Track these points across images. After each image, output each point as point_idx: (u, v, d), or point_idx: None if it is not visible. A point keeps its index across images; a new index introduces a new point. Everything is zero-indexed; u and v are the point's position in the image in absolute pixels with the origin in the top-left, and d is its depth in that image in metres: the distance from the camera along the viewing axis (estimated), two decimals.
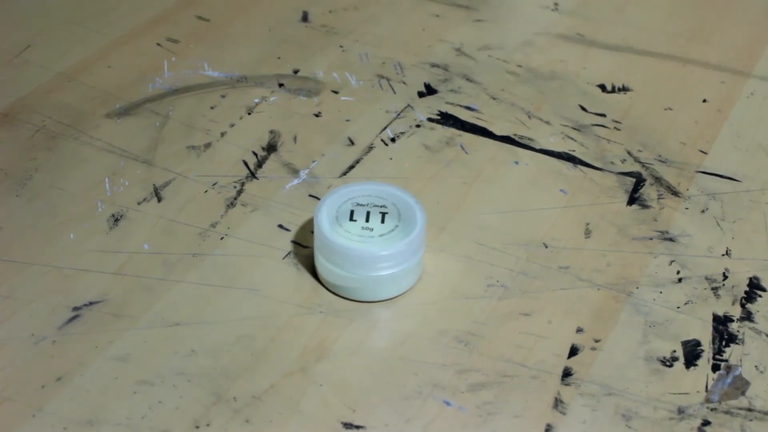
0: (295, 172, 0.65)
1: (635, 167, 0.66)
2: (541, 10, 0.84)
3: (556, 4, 0.85)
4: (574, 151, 0.67)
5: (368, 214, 0.56)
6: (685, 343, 0.54)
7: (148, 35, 0.78)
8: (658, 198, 0.64)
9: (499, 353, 0.53)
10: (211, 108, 0.70)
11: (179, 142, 0.67)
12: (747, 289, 0.57)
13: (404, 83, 0.74)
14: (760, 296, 0.57)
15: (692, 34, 0.81)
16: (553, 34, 0.81)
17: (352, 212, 0.56)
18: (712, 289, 0.57)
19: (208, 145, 0.66)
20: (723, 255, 0.60)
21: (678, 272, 0.58)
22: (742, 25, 0.83)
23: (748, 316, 0.56)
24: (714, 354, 0.53)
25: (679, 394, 0.51)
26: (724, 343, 0.54)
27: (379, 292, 0.55)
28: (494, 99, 0.72)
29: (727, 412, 0.50)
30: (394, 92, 0.73)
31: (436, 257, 0.58)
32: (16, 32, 0.77)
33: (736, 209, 0.63)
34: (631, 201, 0.63)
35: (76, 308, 0.54)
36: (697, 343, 0.54)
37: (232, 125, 0.68)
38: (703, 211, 0.63)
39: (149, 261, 0.57)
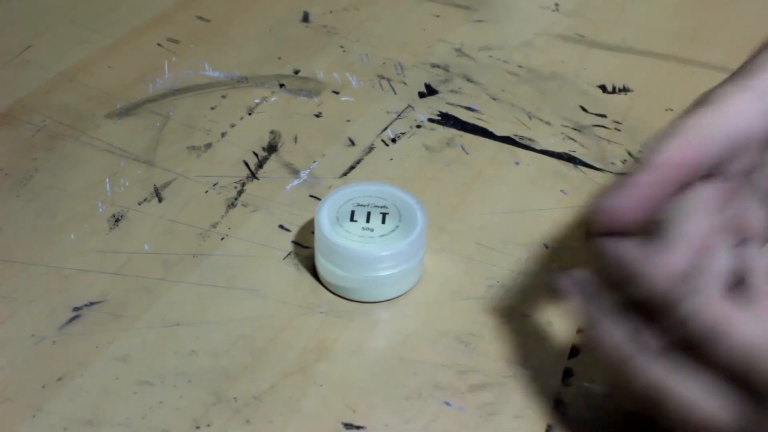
0: (296, 172, 0.65)
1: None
2: (541, 11, 0.84)
3: (556, 4, 0.85)
4: (574, 151, 0.67)
5: (369, 214, 0.56)
6: None
7: (149, 35, 0.78)
8: None
9: (499, 353, 0.53)
10: (212, 108, 0.70)
11: (180, 142, 0.67)
12: None
13: (405, 83, 0.74)
14: None
15: (693, 34, 0.81)
16: (553, 35, 0.81)
17: (352, 213, 0.56)
18: None
19: (208, 146, 0.66)
20: None
21: None
22: (742, 25, 0.83)
23: None
24: None
25: None
26: None
27: (380, 293, 0.55)
28: (494, 99, 0.72)
29: None
30: (395, 93, 0.73)
31: (437, 257, 0.58)
32: (16, 32, 0.77)
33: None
34: None
35: (76, 308, 0.54)
36: None
37: (232, 125, 0.68)
38: None
39: (149, 261, 0.57)
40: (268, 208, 0.62)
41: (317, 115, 0.70)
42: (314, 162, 0.66)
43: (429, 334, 0.54)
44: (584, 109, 0.72)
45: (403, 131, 0.69)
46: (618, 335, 0.42)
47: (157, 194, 0.62)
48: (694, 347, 0.40)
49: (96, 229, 0.59)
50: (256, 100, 0.71)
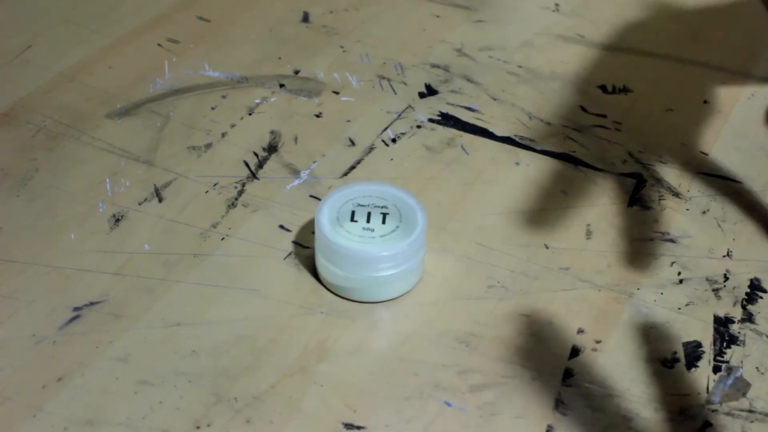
0: (296, 172, 0.65)
1: (636, 168, 0.66)
2: (541, 11, 0.84)
3: (556, 4, 0.85)
4: (574, 152, 0.67)
5: (369, 214, 0.56)
6: (686, 345, 0.54)
7: (149, 35, 0.78)
8: (659, 199, 0.64)
9: (499, 354, 0.53)
10: (212, 108, 0.70)
11: (180, 142, 0.67)
12: (748, 290, 0.57)
13: (405, 84, 0.73)
14: (761, 297, 0.57)
15: (693, 34, 0.81)
16: (553, 35, 0.81)
17: (353, 213, 0.56)
18: (713, 290, 0.57)
19: (208, 146, 0.66)
20: (724, 256, 0.60)
21: (679, 273, 0.58)
22: (742, 25, 0.83)
23: (749, 318, 0.56)
24: (715, 355, 0.53)
25: (680, 395, 0.51)
26: (725, 344, 0.54)
27: (380, 293, 0.55)
28: (495, 100, 0.72)
29: (728, 414, 0.50)
30: (395, 93, 0.73)
31: (437, 258, 0.58)
32: (16, 32, 0.77)
33: (737, 210, 0.63)
34: (632, 202, 0.63)
35: (76, 308, 0.54)
36: (698, 345, 0.54)
37: (232, 125, 0.68)
38: (704, 212, 0.63)
39: (150, 261, 0.57)
40: (268, 208, 0.62)
41: (317, 116, 0.70)
42: (314, 162, 0.66)
43: (429, 334, 0.54)
44: (584, 110, 0.72)
45: (403, 131, 0.69)
46: None
47: (158, 194, 0.62)
48: None
49: (96, 229, 0.59)
50: (257, 101, 0.71)
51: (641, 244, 0.60)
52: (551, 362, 0.53)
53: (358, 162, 0.66)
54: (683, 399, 0.51)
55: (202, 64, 0.75)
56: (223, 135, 0.67)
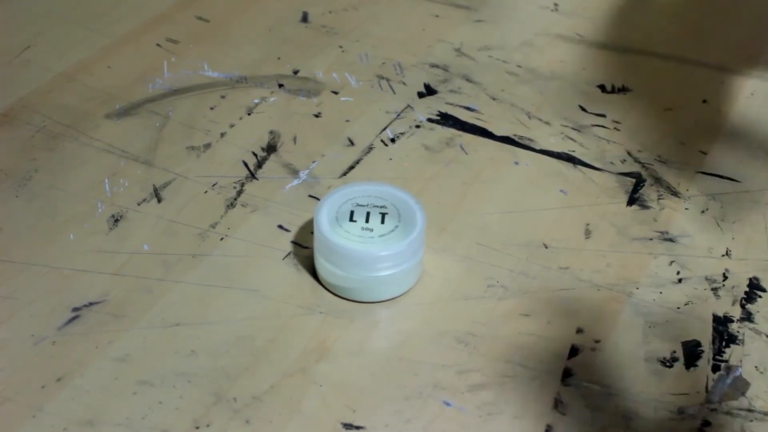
0: (295, 172, 0.65)
1: (635, 168, 0.66)
2: (541, 11, 0.84)
3: (556, 4, 0.85)
4: (573, 151, 0.67)
5: (368, 214, 0.56)
6: (685, 344, 0.54)
7: (148, 35, 0.78)
8: (658, 198, 0.64)
9: (499, 354, 0.53)
10: (211, 108, 0.70)
11: (179, 142, 0.67)
12: (747, 289, 0.57)
13: (404, 83, 0.74)
14: (760, 297, 0.57)
15: (692, 34, 0.81)
16: (552, 35, 0.81)
17: (352, 213, 0.56)
18: (712, 289, 0.57)
19: (207, 146, 0.66)
20: (723, 255, 0.60)
21: (678, 273, 0.58)
22: (742, 25, 0.83)
23: (748, 317, 0.56)
24: (714, 354, 0.53)
25: (680, 394, 0.51)
26: (724, 343, 0.54)
27: (380, 293, 0.55)
28: (494, 99, 0.72)
29: (727, 413, 0.50)
30: (394, 93, 0.73)
31: (436, 258, 0.58)
32: (16, 32, 0.77)
33: (736, 210, 0.63)
34: (631, 201, 0.63)
35: (76, 308, 0.54)
36: (698, 344, 0.54)
37: (232, 126, 0.68)
38: (703, 212, 0.63)
39: (149, 261, 0.57)
40: (267, 208, 0.62)
41: (316, 115, 0.70)
42: (313, 162, 0.66)
43: (429, 334, 0.54)
44: (583, 109, 0.72)
45: (402, 131, 0.69)
46: None
47: (157, 194, 0.62)
48: None
49: (95, 229, 0.59)
50: (256, 101, 0.71)
51: (640, 243, 0.60)
52: (550, 362, 0.53)
53: (357, 162, 0.66)
54: (682, 398, 0.51)
55: (201, 64, 0.75)
56: (222, 135, 0.67)
